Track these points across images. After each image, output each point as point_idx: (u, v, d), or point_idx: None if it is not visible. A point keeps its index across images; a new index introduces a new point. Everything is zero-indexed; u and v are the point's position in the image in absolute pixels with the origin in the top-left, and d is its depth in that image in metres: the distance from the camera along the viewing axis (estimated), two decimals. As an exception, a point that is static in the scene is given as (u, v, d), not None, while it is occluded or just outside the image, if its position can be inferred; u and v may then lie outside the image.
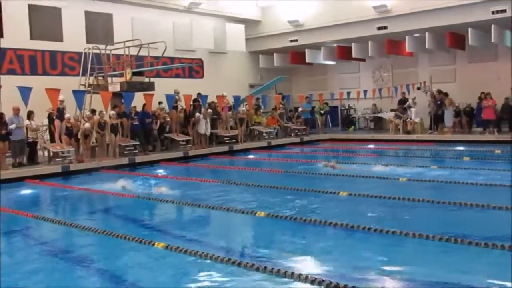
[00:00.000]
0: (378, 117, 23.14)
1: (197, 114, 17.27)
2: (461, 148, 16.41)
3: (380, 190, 9.68)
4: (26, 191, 12.08)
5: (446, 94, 19.54)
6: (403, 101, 21.01)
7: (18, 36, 16.26)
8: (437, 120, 19.64)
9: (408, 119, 20.11)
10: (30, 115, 14.03)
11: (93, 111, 15.28)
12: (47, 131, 15.06)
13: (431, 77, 21.07)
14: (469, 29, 18.15)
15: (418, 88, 21.19)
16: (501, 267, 5.37)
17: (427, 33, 19.11)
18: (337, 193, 9.49)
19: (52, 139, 14.58)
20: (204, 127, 17.31)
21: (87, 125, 14.51)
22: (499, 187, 9.40)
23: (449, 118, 19.09)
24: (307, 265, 5.89)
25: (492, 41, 17.87)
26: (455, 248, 6.06)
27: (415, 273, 5.50)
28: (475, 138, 17.97)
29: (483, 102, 18.71)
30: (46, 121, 15.04)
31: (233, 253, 6.45)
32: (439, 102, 19.35)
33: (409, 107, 20.31)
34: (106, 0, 18.14)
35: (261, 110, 21.33)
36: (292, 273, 5.27)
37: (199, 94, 18.41)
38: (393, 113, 20.78)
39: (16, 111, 13.62)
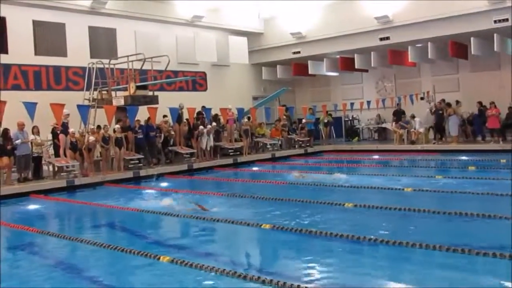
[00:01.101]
0: (382, 128, 23.14)
1: (201, 127, 17.29)
2: (466, 157, 16.34)
3: (385, 201, 9.66)
4: (31, 206, 12.07)
5: (448, 104, 19.51)
6: (397, 111, 20.98)
7: (22, 51, 16.37)
8: (439, 130, 19.57)
9: (412, 129, 20.08)
10: (34, 130, 14.08)
11: (98, 127, 15.31)
12: (52, 145, 15.10)
13: (434, 86, 21.08)
14: (472, 39, 18.19)
15: (422, 98, 21.19)
16: (510, 277, 5.32)
17: (429, 43, 19.14)
18: (342, 204, 9.45)
19: (57, 154, 14.61)
20: (205, 143, 17.31)
21: (92, 138, 14.55)
22: (505, 197, 9.33)
23: (454, 127, 19.04)
24: (313, 277, 5.85)
25: (495, 50, 17.88)
26: (463, 258, 6.01)
27: (423, 284, 5.45)
28: (480, 147, 17.90)
29: (487, 111, 18.67)
30: (50, 136, 15.08)
31: (239, 266, 6.42)
32: (440, 112, 19.30)
33: (413, 117, 20.29)
34: (109, 15, 18.27)
35: (265, 122, 21.37)
36: (298, 285, 5.22)
37: (203, 107, 18.45)
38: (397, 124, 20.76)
39: (21, 126, 13.68)
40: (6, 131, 13.19)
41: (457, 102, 19.70)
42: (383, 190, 11.20)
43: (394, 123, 20.99)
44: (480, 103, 19.33)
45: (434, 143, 19.58)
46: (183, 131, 17.59)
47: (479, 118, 19.13)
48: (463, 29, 17.85)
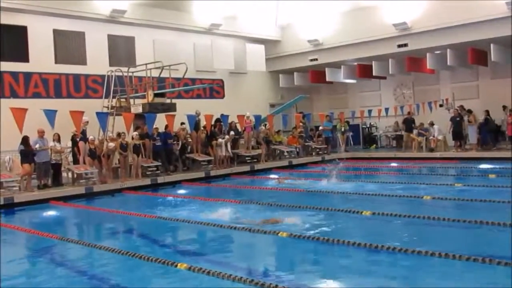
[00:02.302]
0: (400, 135, 22.93)
1: (220, 140, 17.35)
2: (486, 165, 16.11)
3: (404, 209, 9.57)
4: (50, 213, 12.22)
5: (469, 111, 19.28)
6: (407, 120, 20.77)
7: (43, 60, 16.65)
8: (458, 137, 19.32)
9: (431, 137, 19.88)
10: (55, 137, 14.25)
11: (118, 135, 15.44)
12: (71, 153, 15.28)
13: (454, 94, 20.85)
14: (492, 45, 17.98)
15: (441, 105, 21.00)
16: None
17: (448, 50, 18.97)
18: (360, 212, 9.38)
19: (75, 161, 14.78)
20: (223, 151, 17.37)
21: (111, 144, 14.68)
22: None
23: (473, 134, 18.80)
24: (331, 285, 5.81)
25: (515, 56, 17.67)
26: (483, 268, 5.91)
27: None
28: (500, 155, 17.64)
29: (507, 119, 18.44)
30: (70, 143, 15.25)
31: (256, 274, 6.41)
32: (457, 119, 19.07)
33: (432, 124, 20.06)
34: (128, 23, 18.48)
35: (282, 129, 21.36)
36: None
37: (222, 115, 18.47)
38: (415, 131, 20.56)
39: (41, 133, 13.87)
40: (26, 138, 13.38)
41: (469, 111, 19.43)
42: (401, 198, 11.10)
43: (404, 131, 20.82)
44: (487, 111, 19.20)
45: (453, 151, 19.29)
46: (200, 139, 17.67)
47: (486, 126, 18.93)
48: (483, 36, 17.64)
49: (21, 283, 6.48)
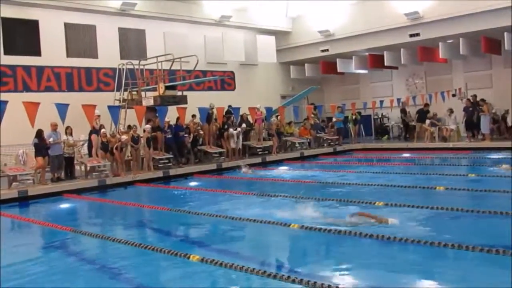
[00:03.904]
0: (413, 125, 22.73)
1: (231, 130, 17.39)
2: (499, 155, 15.94)
3: (417, 200, 9.51)
4: (64, 205, 12.34)
5: (482, 100, 19.07)
6: (422, 110, 20.53)
7: (55, 54, 16.74)
8: (471, 127, 19.14)
9: (445, 126, 19.68)
10: (67, 130, 14.36)
11: (129, 127, 15.53)
12: (84, 145, 15.37)
13: (467, 83, 20.63)
14: (505, 33, 17.73)
15: (453, 95, 20.80)
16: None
17: (461, 39, 18.76)
18: (373, 203, 9.35)
19: (90, 154, 14.91)
20: (235, 143, 17.43)
21: (124, 137, 14.75)
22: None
23: (485, 124, 18.60)
24: (344, 277, 5.81)
25: (530, 44, 17.42)
26: (497, 260, 5.87)
27: (455, 285, 5.35)
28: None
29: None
30: (82, 136, 15.34)
31: (269, 266, 6.43)
32: (470, 109, 18.89)
33: (452, 111, 19.66)
34: (138, 16, 18.50)
35: (293, 121, 21.32)
36: (329, 285, 5.19)
37: (230, 106, 18.48)
38: (428, 121, 20.37)
39: (54, 127, 13.97)
40: (40, 132, 13.50)
41: (483, 100, 19.20)
42: (414, 188, 11.04)
43: (417, 122, 20.66)
44: (468, 100, 19.30)
45: (467, 141, 19.10)
46: (212, 131, 17.69)
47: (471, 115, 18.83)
48: (496, 24, 17.39)
49: (36, 275, 6.54)
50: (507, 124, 19.31)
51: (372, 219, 7.83)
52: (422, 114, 20.42)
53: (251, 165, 16.79)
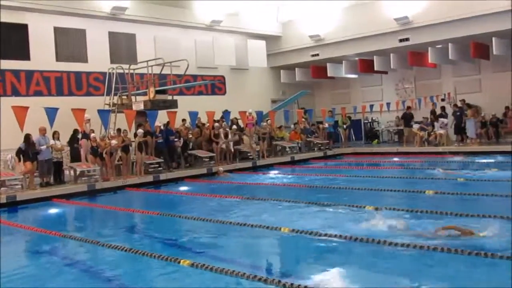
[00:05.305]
0: (402, 130, 22.88)
1: (216, 125, 17.45)
2: (488, 160, 16.03)
3: (406, 204, 9.54)
4: (53, 210, 12.23)
5: (468, 106, 19.25)
6: (406, 114, 20.88)
7: (44, 58, 16.67)
8: (459, 131, 19.29)
9: (434, 131, 19.79)
10: (55, 135, 14.25)
11: (118, 130, 15.46)
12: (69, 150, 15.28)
13: (456, 88, 20.79)
14: (493, 39, 17.92)
15: (443, 100, 20.96)
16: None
17: (450, 44, 18.92)
18: (363, 207, 9.36)
19: (74, 158, 14.81)
20: (224, 145, 17.43)
21: (114, 142, 14.68)
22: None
23: (471, 129, 18.73)
24: (334, 281, 5.81)
25: (518, 49, 17.62)
26: (483, 263, 5.91)
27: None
28: (502, 149, 17.59)
29: (509, 112, 18.42)
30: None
31: (259, 270, 6.41)
32: (458, 114, 19.03)
33: (442, 116, 19.81)
34: (129, 20, 18.46)
35: (284, 125, 21.34)
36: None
37: (225, 110, 18.41)
38: (418, 125, 20.51)
39: (43, 131, 13.87)
40: (28, 136, 13.38)
41: (468, 105, 19.40)
42: (403, 193, 11.09)
43: (404, 127, 20.85)
44: (455, 105, 19.54)
45: (455, 145, 19.27)
46: (205, 135, 17.66)
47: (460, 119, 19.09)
48: (484, 29, 17.61)
49: (24, 281, 6.48)
50: (498, 129, 19.45)
51: (460, 231, 7.02)
52: (407, 118, 20.62)
53: (241, 170, 16.80)
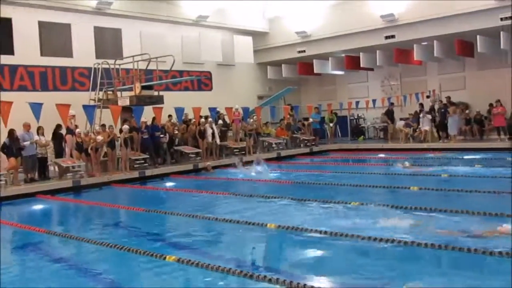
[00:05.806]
0: (387, 127, 23.02)
1: (202, 120, 17.41)
2: (473, 156, 16.21)
3: (391, 200, 9.62)
4: (38, 206, 12.14)
5: (450, 103, 19.44)
6: (388, 111, 21.18)
7: (28, 52, 16.45)
8: (442, 128, 19.46)
9: (419, 128, 19.93)
10: (39, 131, 14.12)
11: (103, 126, 15.36)
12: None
13: (441, 85, 20.96)
14: (478, 36, 18.09)
15: (428, 97, 21.12)
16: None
17: (435, 41, 19.07)
18: (348, 203, 9.42)
19: (58, 154, 14.69)
20: (210, 139, 17.42)
21: (99, 137, 14.58)
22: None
23: (453, 126, 18.90)
24: (319, 277, 5.84)
25: (501, 47, 17.78)
26: (469, 258, 5.99)
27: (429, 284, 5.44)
28: (486, 146, 17.82)
29: (493, 110, 18.63)
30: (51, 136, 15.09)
31: (245, 265, 6.43)
32: (442, 111, 19.20)
33: (427, 113, 19.95)
34: (114, 15, 18.32)
35: (270, 121, 21.36)
36: (305, 285, 5.22)
37: (214, 109, 18.37)
38: (403, 122, 20.66)
39: (27, 127, 13.73)
40: (12, 131, 13.24)
41: (451, 102, 19.60)
42: (388, 188, 11.18)
43: (388, 123, 21.06)
44: (441, 101, 19.84)
45: (440, 141, 19.45)
46: (191, 131, 17.61)
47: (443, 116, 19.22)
48: (469, 27, 17.78)
49: (9, 278, 6.43)
50: (484, 126, 19.65)
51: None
52: (390, 115, 20.79)
53: (227, 166, 16.82)
